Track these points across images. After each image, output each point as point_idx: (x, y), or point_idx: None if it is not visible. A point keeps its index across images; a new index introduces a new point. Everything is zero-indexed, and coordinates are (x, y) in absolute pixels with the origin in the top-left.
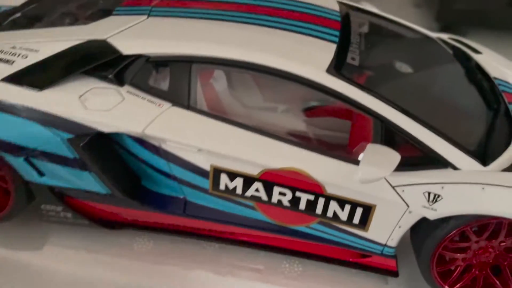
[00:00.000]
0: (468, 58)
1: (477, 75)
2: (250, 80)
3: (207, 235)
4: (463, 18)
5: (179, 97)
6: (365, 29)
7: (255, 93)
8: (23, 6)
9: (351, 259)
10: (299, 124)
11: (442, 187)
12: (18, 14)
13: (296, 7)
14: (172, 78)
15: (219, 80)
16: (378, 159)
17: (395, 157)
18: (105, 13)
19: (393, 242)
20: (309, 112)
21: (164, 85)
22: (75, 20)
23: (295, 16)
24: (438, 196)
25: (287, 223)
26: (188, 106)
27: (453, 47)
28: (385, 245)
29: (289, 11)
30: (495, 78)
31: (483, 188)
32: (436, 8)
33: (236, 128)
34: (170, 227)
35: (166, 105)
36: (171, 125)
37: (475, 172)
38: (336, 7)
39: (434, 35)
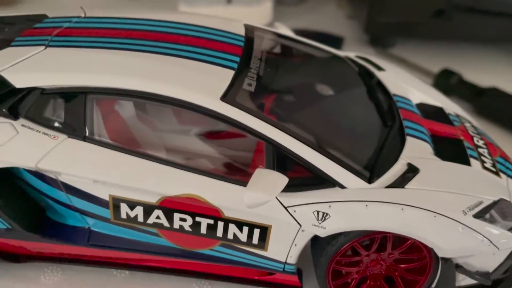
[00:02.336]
0: (371, 76)
1: (376, 93)
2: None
3: (115, 263)
4: (389, 30)
5: (75, 128)
6: (268, 54)
7: (169, 116)
8: None
9: (257, 277)
10: (210, 145)
11: (330, 206)
12: None
13: (201, 33)
14: (67, 110)
15: (126, 106)
16: (264, 184)
17: (282, 181)
18: (5, 43)
19: (292, 260)
20: (223, 133)
21: (60, 117)
22: None
23: (198, 42)
24: (326, 214)
25: (192, 247)
26: (84, 138)
27: (358, 65)
28: (285, 263)
29: (192, 37)
30: (395, 95)
31: (366, 205)
32: (364, 21)
33: (134, 157)
34: (77, 257)
35: (62, 137)
36: (65, 158)
37: (360, 190)
38: (242, 32)
39: (342, 54)
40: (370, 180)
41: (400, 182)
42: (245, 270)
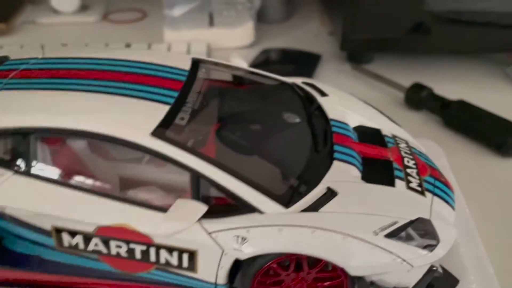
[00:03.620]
0: (312, 102)
1: (312, 119)
2: None
3: (65, 287)
4: (364, 46)
5: (20, 165)
6: (208, 86)
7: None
8: None
9: None
10: (158, 173)
11: (248, 230)
12: None
13: (146, 70)
14: (13, 149)
15: (77, 140)
16: (182, 213)
17: (200, 210)
18: None
19: (221, 280)
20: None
21: (7, 155)
22: None
23: (140, 79)
24: (245, 238)
25: (130, 271)
26: (29, 174)
27: (303, 91)
28: (216, 284)
29: (135, 74)
30: (332, 120)
31: (280, 229)
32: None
33: (72, 190)
34: (30, 282)
35: (8, 174)
36: (9, 193)
37: (275, 215)
38: (187, 66)
39: (289, 81)
40: (287, 205)
41: (316, 206)
42: None
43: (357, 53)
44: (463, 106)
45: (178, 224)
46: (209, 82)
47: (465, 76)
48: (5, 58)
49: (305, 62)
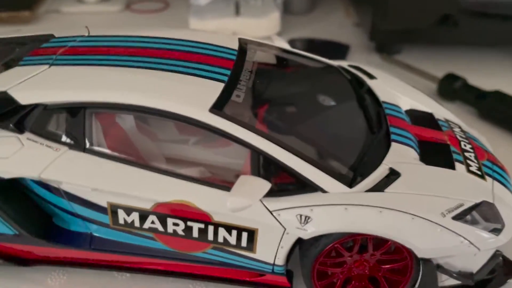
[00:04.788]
0: (362, 84)
1: (365, 101)
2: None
3: (116, 266)
4: (394, 37)
5: (75, 141)
6: (258, 65)
7: (170, 127)
8: None
9: (248, 279)
10: (206, 154)
11: (311, 210)
12: None
13: (195, 48)
14: (68, 124)
15: (126, 119)
16: (246, 190)
17: (264, 186)
18: (14, 62)
19: (280, 261)
20: (218, 142)
21: (62, 131)
22: None
23: (191, 57)
24: (309, 217)
25: (186, 250)
26: (84, 149)
27: (350, 74)
28: (273, 264)
29: (187, 52)
30: (384, 102)
31: (346, 208)
32: (369, 28)
33: (130, 167)
34: (81, 261)
35: (63, 149)
36: (66, 168)
37: (340, 194)
38: (235, 46)
39: (335, 64)
40: (350, 185)
41: (380, 186)
42: (237, 271)
43: (386, 44)
44: (500, 97)
45: (245, 200)
46: (258, 61)
47: (498, 67)
48: (51, 35)
49: (334, 52)
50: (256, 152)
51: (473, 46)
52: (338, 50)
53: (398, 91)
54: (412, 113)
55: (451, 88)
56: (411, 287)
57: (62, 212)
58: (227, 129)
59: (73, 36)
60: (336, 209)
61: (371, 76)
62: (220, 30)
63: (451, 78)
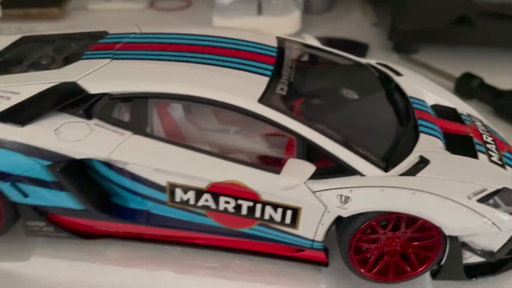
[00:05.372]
0: (390, 81)
1: (394, 96)
2: (207, 107)
3: (169, 241)
4: (412, 37)
5: (138, 126)
6: (297, 62)
7: (211, 118)
8: (4, 50)
9: (289, 254)
10: (243, 143)
11: (351, 191)
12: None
13: (239, 45)
14: (132, 112)
15: (176, 108)
16: (295, 171)
17: (310, 169)
18: (76, 56)
19: (319, 237)
20: (253, 132)
21: (126, 118)
22: (52, 62)
23: (237, 54)
24: (348, 198)
25: (234, 226)
26: (146, 134)
27: (378, 71)
28: (313, 240)
29: (232, 49)
30: (411, 97)
31: (382, 190)
32: (388, 28)
33: (186, 150)
34: (137, 235)
35: (128, 134)
36: (132, 150)
37: (377, 177)
38: (274, 43)
39: (364, 61)
40: (386, 169)
41: (412, 172)
42: (278, 246)
43: (404, 43)
44: None
45: (295, 180)
46: (296, 58)
47: None
48: (105, 32)
49: (354, 51)
50: (300, 139)
51: (490, 46)
52: (358, 49)
53: (423, 87)
54: (436, 107)
55: (468, 87)
56: (438, 263)
57: (122, 190)
58: (275, 118)
59: (126, 33)
60: (373, 191)
61: (398, 73)
62: (243, 28)
63: (468, 77)
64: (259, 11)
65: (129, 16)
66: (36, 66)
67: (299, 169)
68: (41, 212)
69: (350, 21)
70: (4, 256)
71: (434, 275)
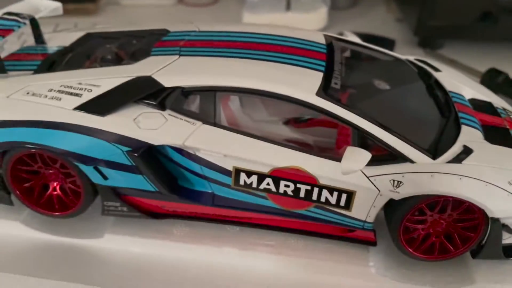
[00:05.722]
0: (429, 76)
1: (435, 90)
2: (257, 101)
3: (230, 221)
4: (438, 32)
5: (207, 117)
6: (345, 58)
7: (261, 110)
8: (72, 46)
9: (340, 234)
10: (295, 133)
11: (403, 176)
12: (70, 55)
13: (292, 43)
14: (202, 103)
15: (233, 101)
16: (355, 157)
17: (367, 156)
18: (145, 53)
19: (370, 219)
20: (303, 123)
21: (196, 109)
22: (117, 58)
23: (292, 51)
24: (400, 182)
25: (291, 208)
26: (215, 124)
27: (417, 67)
28: (365, 221)
29: (286, 46)
30: (450, 92)
31: (431, 175)
32: (414, 23)
33: (251, 139)
34: (201, 215)
35: (198, 123)
36: (203, 138)
37: (426, 164)
38: (323, 40)
39: (403, 57)
40: (434, 157)
41: (458, 159)
42: (331, 227)
43: (429, 39)
44: None
45: (355, 165)
46: (344, 55)
47: None
48: (165, 30)
49: (381, 47)
50: (356, 129)
51: None
52: (385, 44)
53: (460, 82)
54: (473, 101)
55: (494, 82)
56: (479, 243)
57: (190, 174)
58: (333, 110)
59: (187, 31)
60: (424, 176)
61: (436, 69)
62: (272, 24)
63: (493, 73)
64: (288, 7)
65: (159, 11)
66: (107, 61)
67: (358, 156)
68: (117, 193)
69: (374, 17)
70: (81, 233)
71: (474, 255)
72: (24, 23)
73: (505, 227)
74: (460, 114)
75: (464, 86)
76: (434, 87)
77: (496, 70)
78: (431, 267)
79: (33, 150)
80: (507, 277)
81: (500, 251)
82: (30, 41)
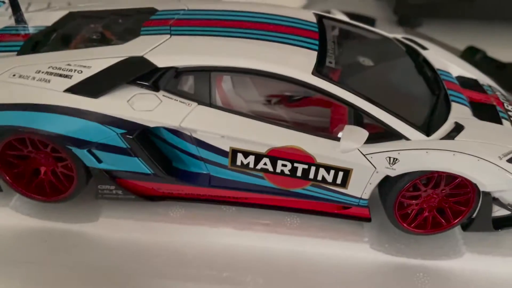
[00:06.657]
0: (417, 54)
1: (423, 68)
2: (248, 81)
3: (226, 201)
4: (418, 11)
5: (203, 97)
6: (337, 37)
7: (253, 90)
8: (55, 26)
9: (336, 211)
10: (289, 112)
11: (399, 153)
12: (54, 35)
13: (283, 21)
14: (197, 84)
15: (226, 82)
16: (353, 136)
17: (364, 134)
18: (134, 33)
19: (366, 196)
20: (295, 102)
21: (191, 89)
22: (104, 38)
23: (284, 29)
24: (396, 159)
25: (288, 187)
26: (210, 104)
27: (405, 45)
28: (360, 198)
29: (279, 25)
30: (438, 70)
31: (427, 152)
32: (393, 2)
33: (248, 119)
34: (197, 197)
35: (193, 104)
36: (200, 119)
37: (421, 141)
38: (313, 19)
39: (390, 35)
40: (428, 134)
41: (451, 136)
42: (326, 204)
43: (408, 17)
44: None
45: (353, 144)
46: (335, 33)
47: None
48: (153, 9)
49: None
50: (352, 108)
51: (490, 21)
52: (366, 23)
53: (447, 60)
54: (460, 79)
55: (472, 60)
56: (469, 216)
57: (186, 155)
58: (329, 89)
59: (176, 10)
60: (419, 152)
61: (423, 47)
62: (257, 2)
63: (472, 50)
64: None
65: None
66: (94, 41)
67: (356, 134)
68: (112, 176)
69: None
70: (74, 218)
71: (464, 228)
72: (3, 2)
73: (495, 200)
74: (449, 92)
75: (451, 64)
76: (423, 65)
77: (474, 47)
78: (424, 241)
79: (24, 134)
80: (495, 249)
81: (490, 223)
82: (8, 21)
